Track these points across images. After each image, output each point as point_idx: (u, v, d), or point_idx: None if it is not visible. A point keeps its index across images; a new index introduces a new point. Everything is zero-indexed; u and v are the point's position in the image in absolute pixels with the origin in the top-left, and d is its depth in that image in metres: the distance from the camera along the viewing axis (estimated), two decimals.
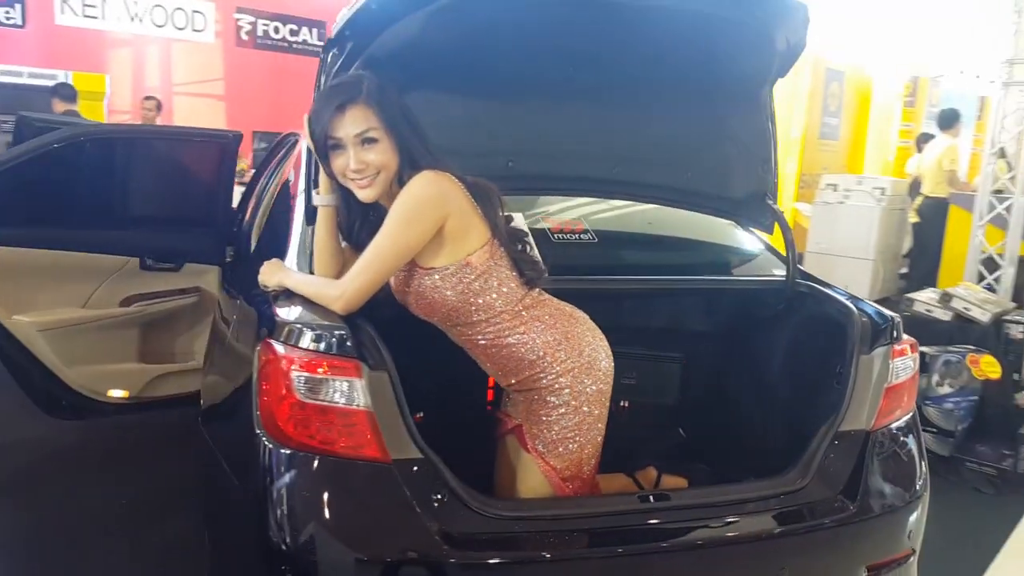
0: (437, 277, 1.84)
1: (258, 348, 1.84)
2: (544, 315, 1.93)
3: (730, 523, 1.88)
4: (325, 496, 1.70)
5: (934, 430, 4.22)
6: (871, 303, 2.32)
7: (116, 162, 3.30)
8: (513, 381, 1.96)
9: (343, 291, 1.81)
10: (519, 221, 2.40)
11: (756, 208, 2.59)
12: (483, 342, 1.91)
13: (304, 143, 2.72)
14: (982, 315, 4.57)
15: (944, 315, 4.75)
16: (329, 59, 2.08)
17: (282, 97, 9.48)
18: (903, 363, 2.18)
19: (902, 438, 2.17)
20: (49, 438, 3.60)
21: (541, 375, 1.91)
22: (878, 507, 2.03)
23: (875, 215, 8.26)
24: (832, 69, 9.84)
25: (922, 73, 12.01)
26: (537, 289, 1.96)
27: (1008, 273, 6.41)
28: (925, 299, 4.94)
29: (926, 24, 11.45)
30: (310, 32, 9.77)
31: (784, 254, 2.54)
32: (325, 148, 1.83)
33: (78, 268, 3.13)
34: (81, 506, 3.13)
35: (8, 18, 7.42)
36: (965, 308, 4.63)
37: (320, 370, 1.71)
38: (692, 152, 2.50)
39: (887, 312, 2.24)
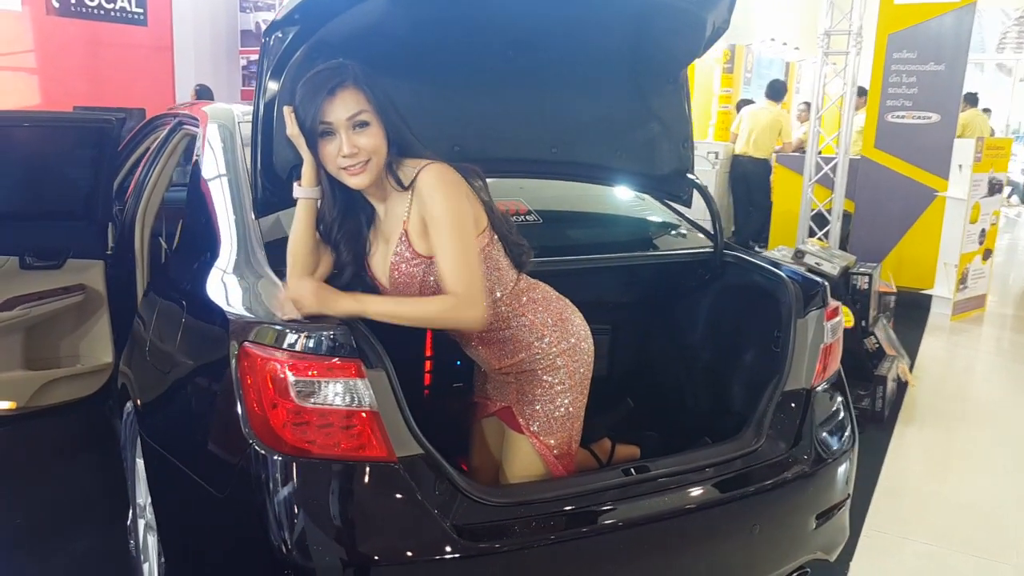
0: None
1: (235, 352, 1.75)
2: (538, 297, 1.97)
3: (706, 487, 2.00)
4: (330, 500, 1.66)
5: None
6: (798, 269, 2.51)
7: None
8: (507, 363, 1.98)
9: (469, 298, 1.74)
10: None
11: (678, 184, 2.72)
12: (479, 332, 1.91)
13: (211, 129, 2.56)
14: (832, 269, 4.99)
15: (832, 269, 5.12)
16: (272, 42, 1.97)
17: (101, 69, 8.74)
18: (834, 324, 2.39)
19: (836, 393, 2.39)
20: None
21: (538, 356, 1.95)
22: (824, 458, 2.21)
23: (711, 178, 8.82)
24: None
25: (738, 41, 12.83)
26: (524, 273, 1.97)
27: (836, 228, 7.10)
28: (779, 257, 5.34)
29: None
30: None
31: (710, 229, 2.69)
32: (315, 135, 1.76)
33: None
34: None
35: None
36: (817, 263, 5.04)
37: (316, 372, 1.66)
38: (622, 132, 2.58)
39: (816, 278, 2.44)
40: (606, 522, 1.84)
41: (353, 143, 1.74)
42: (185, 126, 2.93)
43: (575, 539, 1.80)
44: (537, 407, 1.98)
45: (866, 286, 4.99)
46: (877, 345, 4.95)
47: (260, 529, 1.66)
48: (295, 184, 1.84)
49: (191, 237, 2.49)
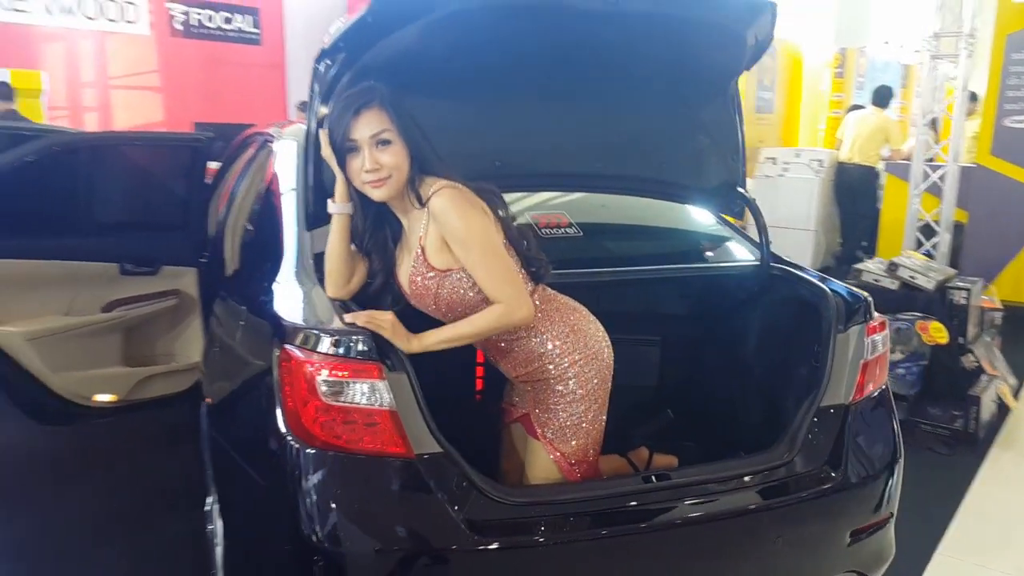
0: (455, 278, 1.93)
1: (277, 353, 1.91)
2: (551, 309, 2.05)
3: (727, 497, 2.03)
4: (353, 492, 1.80)
5: None
6: (843, 284, 2.49)
7: (91, 170, 3.30)
8: (522, 372, 2.08)
9: (516, 300, 1.88)
10: None
11: (727, 196, 2.73)
12: (495, 338, 2.02)
13: (282, 145, 2.76)
14: (927, 283, 4.81)
15: (891, 284, 4.96)
16: (322, 68, 2.13)
17: (219, 86, 9.34)
18: (876, 339, 2.36)
19: (878, 409, 2.35)
20: (36, 445, 3.61)
21: (550, 366, 2.03)
22: (859, 475, 2.20)
23: (814, 187, 8.56)
24: None
25: (851, 44, 12.40)
26: (542, 284, 2.06)
27: (945, 239, 6.76)
28: (872, 269, 5.17)
29: None
30: (243, 19, 9.62)
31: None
32: (343, 151, 1.91)
33: (59, 276, 3.15)
34: (71, 512, 3.16)
35: None
36: (911, 276, 4.87)
37: (343, 373, 1.80)
38: (667, 145, 2.62)
39: (860, 292, 2.41)
40: (618, 526, 1.90)
41: (375, 159, 1.88)
42: (269, 143, 3.16)
43: (584, 540, 1.87)
44: (551, 415, 2.06)
45: (964, 301, 4.76)
46: (976, 364, 4.71)
47: (293, 515, 1.81)
48: (329, 200, 1.99)
49: (259, 246, 2.70)
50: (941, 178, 6.75)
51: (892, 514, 2.33)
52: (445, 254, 1.92)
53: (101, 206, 3.39)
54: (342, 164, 1.92)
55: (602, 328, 2.13)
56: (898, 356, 4.65)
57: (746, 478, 2.08)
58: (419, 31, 2.07)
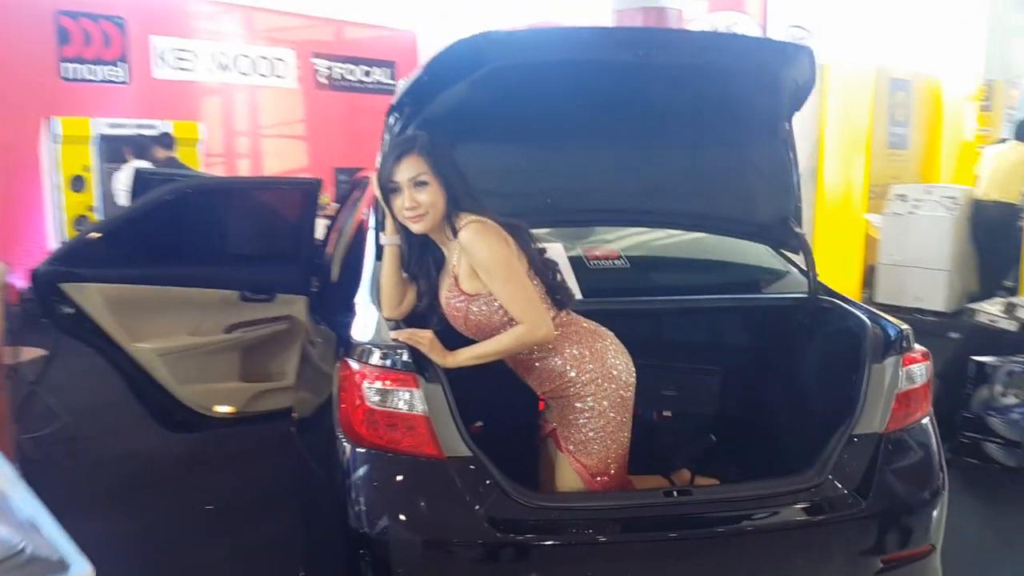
0: (482, 302, 2.18)
1: (337, 365, 2.22)
2: (571, 332, 2.25)
3: (745, 516, 2.14)
4: (391, 486, 2.07)
5: (1000, 441, 4.24)
6: (887, 317, 2.54)
7: (218, 209, 3.80)
8: (546, 389, 2.29)
9: (536, 321, 2.12)
10: (558, 250, 2.74)
11: (781, 231, 2.84)
12: (521, 357, 2.25)
13: (372, 184, 3.12)
14: None
15: (1009, 325, 4.75)
16: (392, 121, 2.47)
17: (358, 134, 10.07)
18: (913, 371, 2.40)
19: (915, 440, 2.38)
20: (163, 449, 4.12)
21: (569, 384, 2.24)
22: (890, 503, 2.25)
23: (947, 225, 8.20)
24: (897, 79, 9.82)
25: (998, 76, 11.79)
26: (566, 310, 2.27)
27: None
28: (989, 310, 4.97)
29: (996, 27, 11.27)
30: (382, 72, 10.36)
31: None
32: (387, 191, 2.21)
33: (188, 301, 3.61)
34: (190, 509, 3.59)
35: (115, 76, 8.20)
36: None
37: (386, 383, 2.07)
38: (716, 182, 2.77)
39: (900, 324, 2.46)
40: (632, 534, 2.06)
41: (413, 198, 2.16)
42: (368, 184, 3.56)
43: (597, 544, 2.04)
44: (573, 429, 2.25)
45: None
46: None
47: (343, 504, 2.10)
48: (380, 233, 2.30)
49: (348, 274, 3.05)
50: None
51: (933, 547, 2.33)
52: (474, 281, 2.16)
53: (226, 240, 3.87)
54: (387, 202, 2.22)
55: (624, 351, 2.31)
56: (1012, 400, 4.45)
57: (767, 499, 2.18)
58: (469, 86, 2.36)
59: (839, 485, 2.22)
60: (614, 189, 2.72)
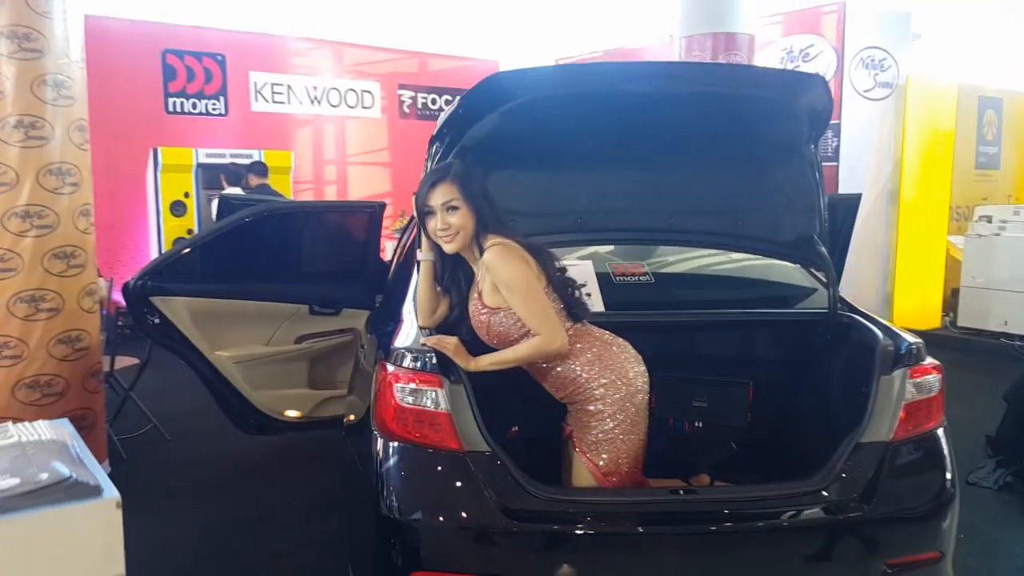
0: (502, 315, 2.40)
1: (376, 368, 2.48)
2: (585, 343, 2.44)
3: (748, 516, 2.27)
4: (417, 475, 2.30)
5: None
6: (902, 331, 2.62)
7: (291, 230, 4.17)
8: (563, 395, 2.48)
9: (551, 333, 2.33)
10: (587, 268, 2.94)
11: (807, 249, 2.95)
12: (539, 365, 2.46)
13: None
14: None
15: None
16: (433, 150, 2.73)
17: None
18: (923, 383, 2.48)
19: (924, 449, 2.46)
20: (240, 452, 4.49)
21: (581, 390, 2.42)
22: (893, 509, 2.33)
23: None
24: (987, 97, 9.58)
25: None
26: (583, 322, 2.47)
27: None
28: None
29: None
30: None
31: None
32: (423, 213, 2.46)
33: (263, 314, 3.97)
34: (259, 505, 3.93)
35: (214, 109, 8.85)
36: None
37: (415, 383, 2.31)
38: (742, 203, 2.91)
39: (912, 339, 2.55)
40: (637, 528, 2.23)
41: (445, 221, 2.41)
42: None
43: (602, 535, 2.21)
44: (585, 431, 2.43)
45: None
46: None
47: (375, 491, 2.33)
48: (417, 250, 2.55)
49: (398, 289, 3.32)
50: None
51: (942, 553, 2.40)
52: (497, 296, 2.39)
53: (298, 258, 4.23)
54: (423, 223, 2.47)
55: (638, 359, 2.48)
56: None
57: (771, 501, 2.31)
58: (500, 117, 2.60)
59: (843, 490, 2.32)
60: (642, 209, 2.90)
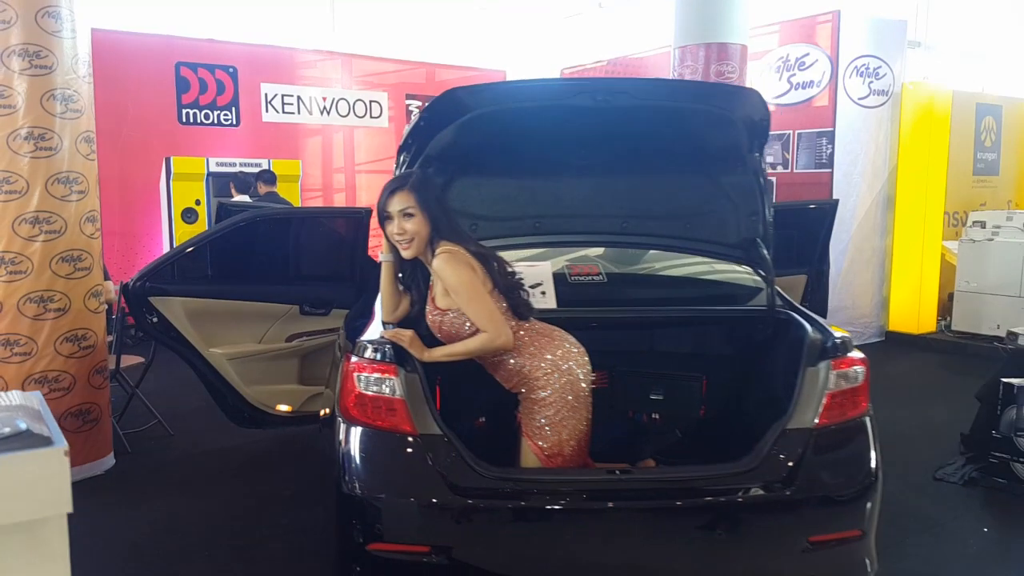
0: (452, 316, 2.63)
1: (342, 359, 2.71)
2: (526, 337, 2.67)
3: (678, 494, 2.48)
4: (375, 456, 2.52)
5: None
6: (829, 327, 2.82)
7: (282, 234, 4.41)
8: (511, 385, 2.71)
9: (496, 331, 2.56)
10: (545, 268, 3.17)
11: (750, 250, 3.16)
12: (490, 359, 2.69)
13: None
14: None
15: None
16: (401, 159, 2.97)
17: None
18: (847, 373, 2.68)
19: (847, 435, 2.65)
20: (237, 446, 4.75)
21: (526, 381, 2.65)
22: (815, 490, 2.52)
23: None
24: (985, 104, 9.68)
25: None
26: (529, 320, 2.69)
27: None
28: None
29: None
30: None
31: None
32: (382, 218, 2.69)
33: (255, 313, 4.22)
34: (253, 494, 4.17)
35: (226, 119, 9.17)
36: None
37: (373, 373, 2.54)
38: (689, 208, 3.14)
39: (838, 333, 2.74)
40: (573, 503, 2.44)
41: (401, 227, 2.64)
42: None
43: (541, 510, 2.42)
44: (530, 417, 2.66)
45: None
46: None
47: (338, 470, 2.56)
48: (379, 251, 2.78)
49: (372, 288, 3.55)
50: None
51: (863, 532, 2.58)
52: (447, 298, 2.62)
53: (289, 261, 4.48)
54: (383, 227, 2.70)
55: (579, 350, 2.69)
56: None
57: (699, 481, 2.51)
58: (458, 129, 2.83)
59: (769, 472, 2.52)
60: (595, 214, 3.13)
